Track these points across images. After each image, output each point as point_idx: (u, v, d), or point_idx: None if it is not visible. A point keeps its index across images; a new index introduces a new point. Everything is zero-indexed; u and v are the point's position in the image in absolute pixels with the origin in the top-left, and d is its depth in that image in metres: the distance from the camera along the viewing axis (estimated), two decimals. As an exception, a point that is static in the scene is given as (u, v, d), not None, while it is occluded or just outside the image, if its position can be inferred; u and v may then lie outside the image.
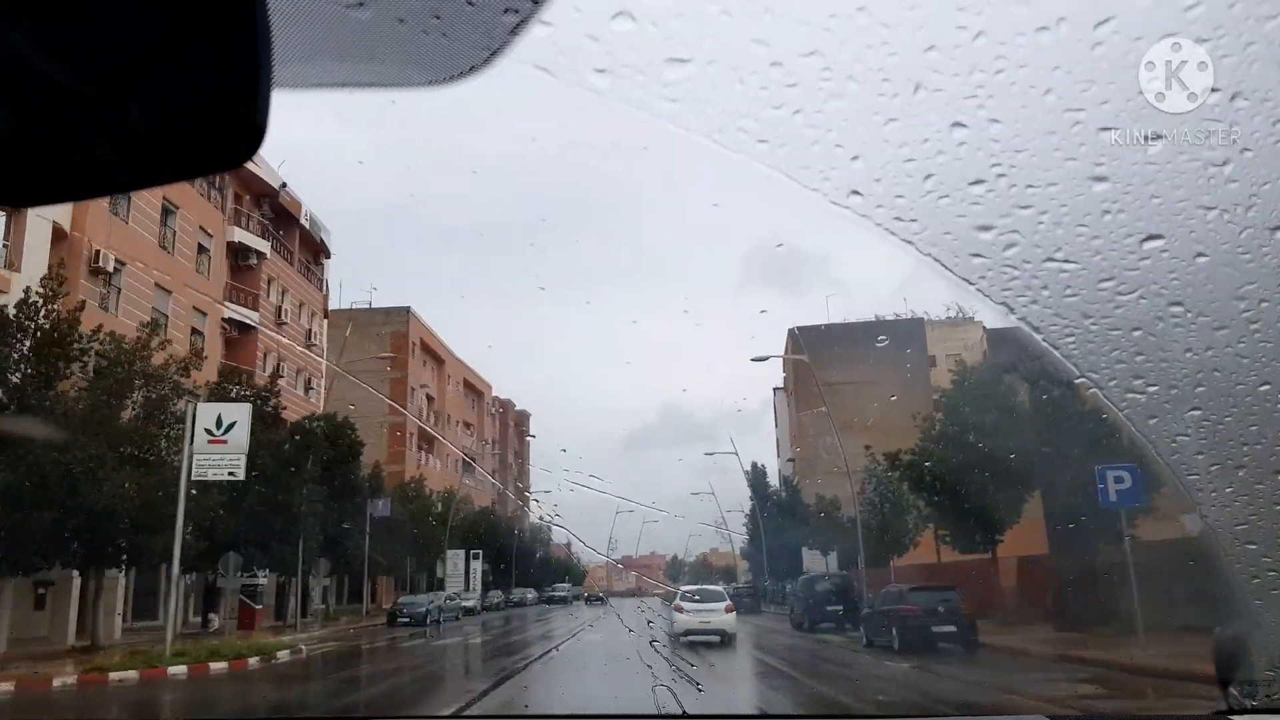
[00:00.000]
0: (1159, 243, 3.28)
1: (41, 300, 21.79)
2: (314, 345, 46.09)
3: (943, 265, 3.38)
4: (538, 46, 2.76)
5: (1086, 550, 21.68)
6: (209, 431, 22.10)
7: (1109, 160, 3.24)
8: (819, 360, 46.77)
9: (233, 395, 28.18)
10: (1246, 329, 3.30)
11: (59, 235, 27.57)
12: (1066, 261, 3.34)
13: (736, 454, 61.48)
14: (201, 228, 35.69)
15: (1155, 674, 13.87)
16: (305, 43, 1.43)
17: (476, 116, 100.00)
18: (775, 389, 73.26)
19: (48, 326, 21.68)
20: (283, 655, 21.19)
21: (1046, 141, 3.24)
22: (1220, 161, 3.21)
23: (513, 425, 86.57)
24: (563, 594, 63.76)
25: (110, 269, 29.23)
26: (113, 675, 17.50)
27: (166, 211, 33.15)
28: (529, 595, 60.28)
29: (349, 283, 58.59)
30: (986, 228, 3.31)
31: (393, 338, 56.44)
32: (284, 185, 41.53)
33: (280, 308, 41.83)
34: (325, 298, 48.41)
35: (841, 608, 28.62)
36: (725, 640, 21.90)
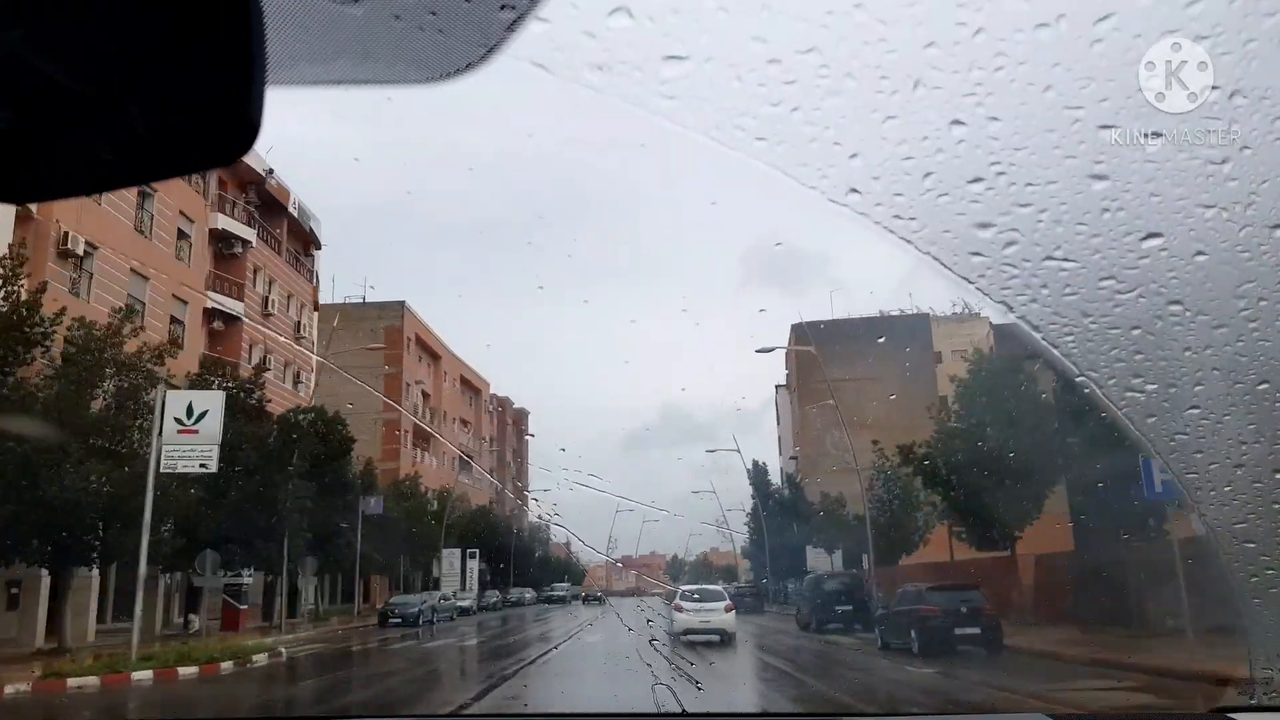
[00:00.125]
0: (1158, 241, 3.36)
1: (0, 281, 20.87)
2: (303, 338, 45.73)
3: (942, 264, 3.46)
4: (534, 43, 2.84)
5: (1117, 547, 21.28)
6: (179, 421, 21.51)
7: (1109, 158, 3.31)
8: (823, 356, 46.84)
9: (214, 387, 27.54)
10: (1246, 327, 3.38)
11: (24, 216, 26.77)
12: (1066, 260, 3.42)
13: (739, 450, 61.48)
14: (182, 213, 34.85)
15: (1215, 680, 11.98)
16: (301, 40, 1.47)
17: (473, 113, 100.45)
18: (777, 386, 73.44)
19: (6, 309, 20.82)
20: (260, 659, 20.73)
21: (1046, 139, 3.32)
22: (1220, 159, 3.29)
23: (511, 423, 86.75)
24: (561, 594, 63.95)
25: (80, 252, 28.47)
26: (71, 681, 16.71)
27: (144, 195, 32.22)
28: (527, 595, 60.45)
29: (346, 281, 59.10)
30: (986, 226, 3.39)
31: (387, 332, 56.37)
32: (270, 172, 41.48)
33: (267, 298, 41.51)
34: (315, 289, 48.21)
35: (851, 607, 28.18)
36: (725, 640, 22.09)
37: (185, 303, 34.62)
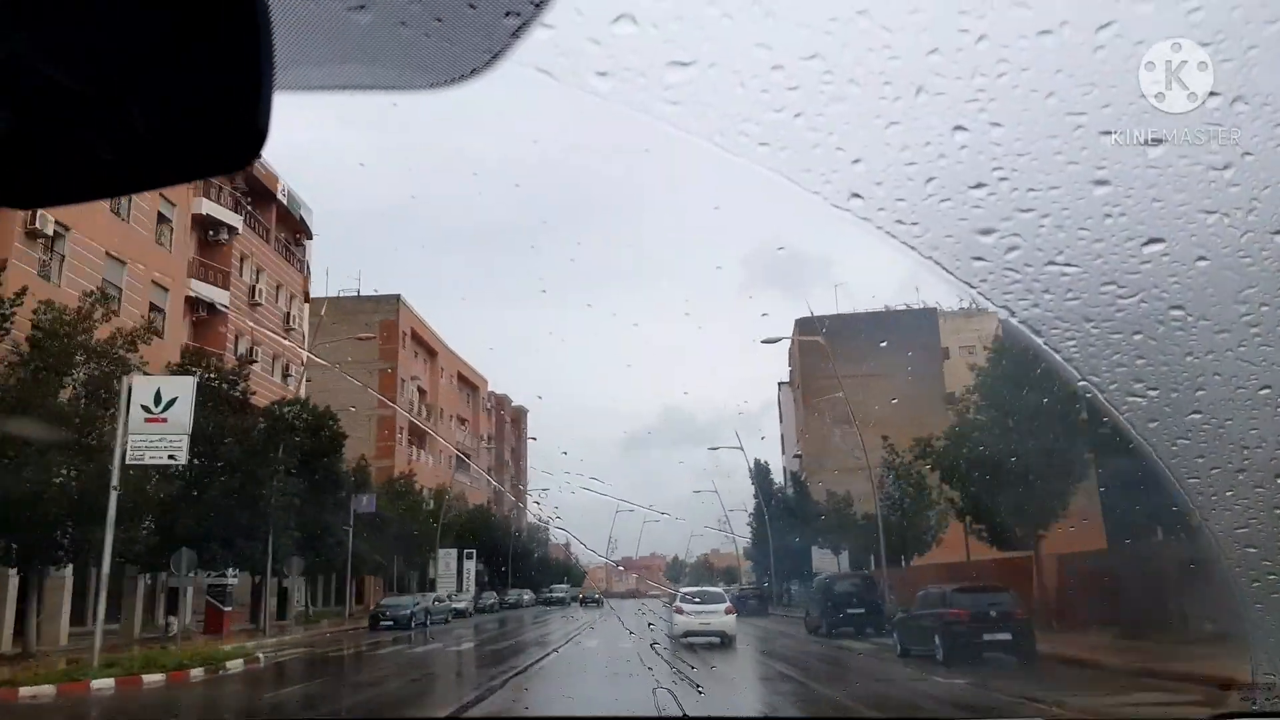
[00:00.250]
0: (1160, 246, 3.46)
1: None
2: (293, 330, 44.99)
3: (944, 268, 3.55)
4: (539, 49, 2.92)
5: (1154, 546, 20.06)
6: (146, 409, 20.23)
7: (1110, 164, 3.41)
8: (828, 351, 46.84)
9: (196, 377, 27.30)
10: (1247, 332, 3.47)
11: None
12: (1068, 264, 3.52)
13: (741, 448, 61.46)
14: (163, 196, 33.14)
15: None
16: (307, 46, 1.51)
17: (478, 119, 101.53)
18: (780, 383, 73.53)
19: None
20: (234, 665, 19.62)
21: (1048, 145, 3.41)
22: (1221, 165, 3.38)
23: (510, 421, 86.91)
24: (560, 595, 63.96)
25: (49, 233, 27.33)
26: (24, 691, 15.59)
27: (120, 176, 31.94)
28: (525, 596, 60.43)
29: (349, 283, 59.28)
30: (988, 231, 3.49)
31: (382, 326, 56.17)
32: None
33: (254, 288, 40.38)
34: (306, 280, 47.53)
35: (863, 610, 27.01)
36: (725, 642, 22.21)
37: (166, 290, 33.46)
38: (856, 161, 3.45)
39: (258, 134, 1.14)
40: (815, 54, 3.33)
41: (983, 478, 25.67)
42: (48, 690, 15.77)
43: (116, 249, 30.37)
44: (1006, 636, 17.94)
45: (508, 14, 1.76)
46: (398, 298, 60.20)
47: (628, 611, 40.91)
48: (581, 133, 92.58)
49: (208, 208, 37.72)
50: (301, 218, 47.24)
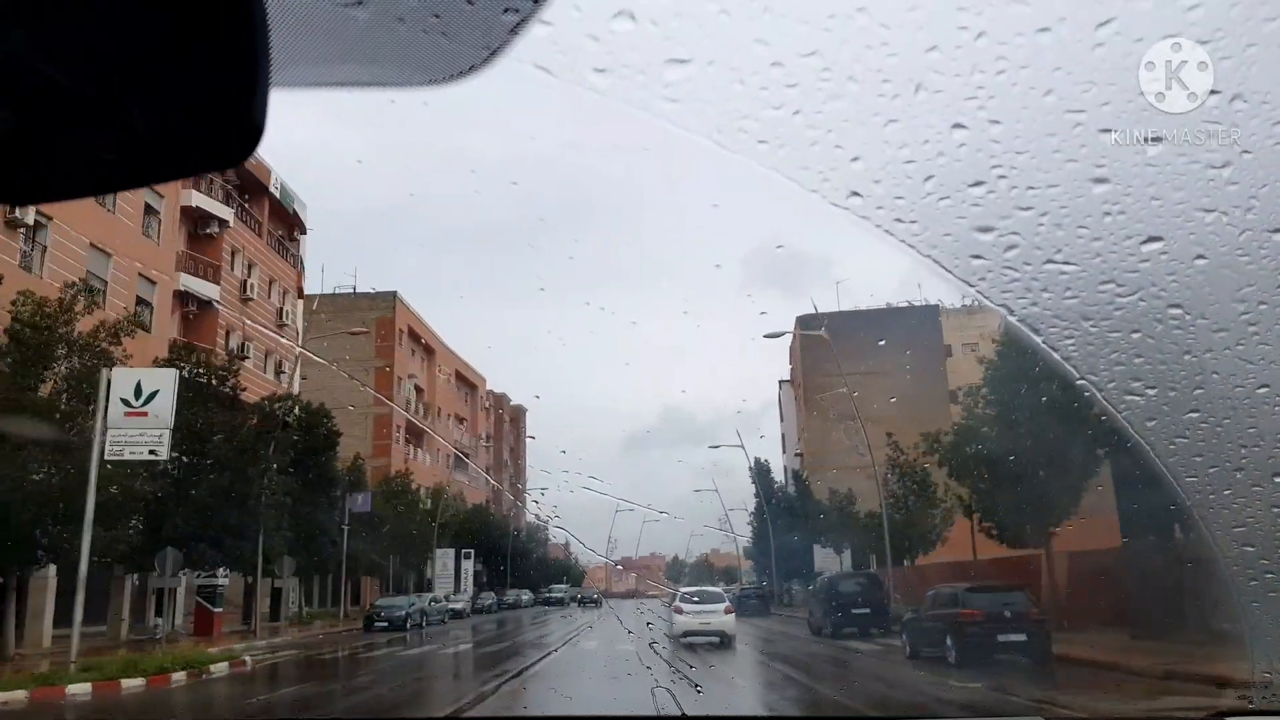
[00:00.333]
0: (1158, 245, 3.50)
1: None
2: (286, 325, 44.51)
3: (943, 266, 3.60)
4: (538, 46, 2.96)
5: (1173, 543, 19.53)
6: (126, 402, 19.68)
7: (1109, 162, 3.45)
8: (829, 351, 46.85)
9: (182, 373, 26.00)
10: (1245, 331, 3.51)
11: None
12: (1066, 263, 3.56)
13: (743, 447, 61.44)
14: (150, 186, 34.07)
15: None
16: (304, 43, 1.52)
17: (476, 116, 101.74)
18: (781, 381, 73.64)
19: None
20: (219, 668, 19.10)
21: (1047, 143, 3.45)
22: (1220, 163, 3.42)
23: (509, 420, 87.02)
24: (560, 595, 64.06)
25: (30, 222, 26.82)
26: None
27: (106, 165, 31.33)
28: (524, 597, 60.52)
29: (346, 280, 59.46)
30: (987, 229, 3.53)
31: (378, 324, 56.07)
32: None
33: (246, 282, 39.39)
34: (299, 275, 47.11)
35: (868, 610, 26.73)
36: (724, 641, 22.32)
37: (154, 283, 32.87)
38: (855, 159, 3.49)
39: (254, 130, 1.16)
40: (814, 51, 3.37)
41: (992, 473, 25.29)
42: (19, 696, 15.28)
43: (101, 240, 29.79)
44: (1021, 638, 17.47)
45: (506, 10, 1.78)
46: (394, 295, 60.11)
47: (627, 611, 40.94)
48: (580, 130, 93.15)
49: (197, 200, 37.07)
50: (295, 211, 46.64)
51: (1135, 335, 3.60)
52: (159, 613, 28.41)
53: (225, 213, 38.91)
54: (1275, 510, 3.74)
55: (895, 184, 3.49)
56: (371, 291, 59.23)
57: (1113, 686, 14.49)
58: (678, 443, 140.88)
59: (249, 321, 40.23)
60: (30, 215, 26.66)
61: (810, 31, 3.37)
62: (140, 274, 31.82)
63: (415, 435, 61.36)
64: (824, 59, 3.36)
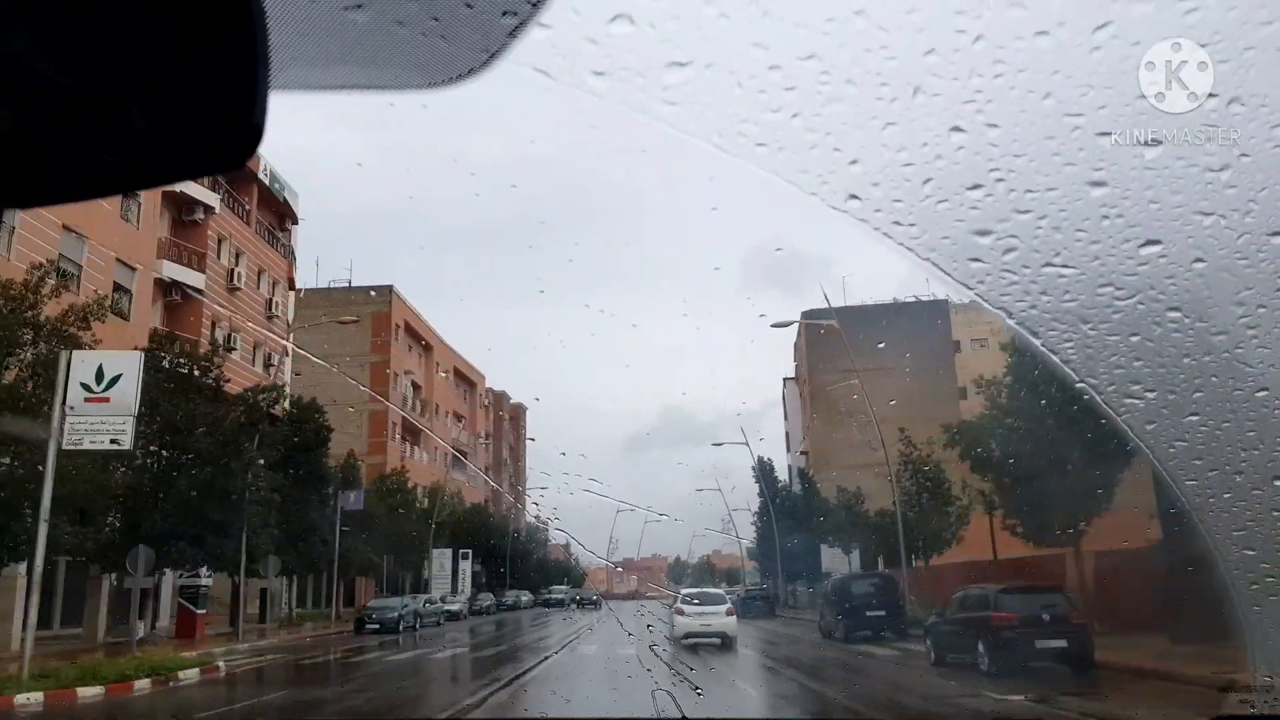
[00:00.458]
0: (1157, 248, 3.56)
1: None
2: (275, 317, 43.81)
3: (941, 269, 3.66)
4: (537, 49, 3.02)
5: (1223, 541, 19.02)
6: (86, 387, 18.70)
7: (1108, 165, 3.51)
8: (835, 347, 46.82)
9: (164, 363, 25.65)
10: (1244, 334, 3.57)
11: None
12: (1065, 266, 3.62)
13: (747, 443, 61.45)
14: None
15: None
16: (304, 45, 1.55)
17: (475, 119, 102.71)
18: (785, 379, 73.72)
19: None
20: (188, 675, 18.19)
21: (1045, 146, 3.51)
22: (1219, 166, 3.48)
23: (508, 418, 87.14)
24: (560, 596, 64.06)
25: None
26: None
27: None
28: (523, 598, 60.53)
29: (341, 274, 59.86)
30: (985, 232, 3.59)
31: (374, 318, 55.95)
32: None
33: (233, 271, 39.13)
34: (290, 266, 46.46)
35: (883, 613, 25.91)
36: (725, 643, 22.43)
37: (133, 269, 31.63)
38: (854, 162, 3.55)
39: (254, 132, 1.17)
40: (812, 54, 3.43)
41: (1018, 467, 24.14)
42: (-37, 707, 14.26)
43: (75, 223, 28.70)
44: (1062, 644, 16.33)
45: (505, 13, 1.82)
46: (390, 288, 59.79)
47: (627, 613, 40.94)
48: (579, 133, 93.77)
49: (181, 184, 36.66)
50: (285, 199, 45.62)
51: (1134, 338, 3.66)
52: (140, 614, 26.93)
53: (211, 198, 37.79)
54: (1275, 513, 3.80)
55: (894, 187, 3.55)
56: (367, 286, 59.00)
57: (1170, 697, 13.47)
58: (678, 444, 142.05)
59: (236, 312, 39.35)
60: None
61: (809, 35, 3.43)
62: (118, 259, 30.58)
63: (412, 433, 61.27)
64: (823, 62, 3.42)
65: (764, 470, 51.23)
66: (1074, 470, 21.90)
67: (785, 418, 76.46)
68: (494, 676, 17.57)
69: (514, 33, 1.81)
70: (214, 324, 37.54)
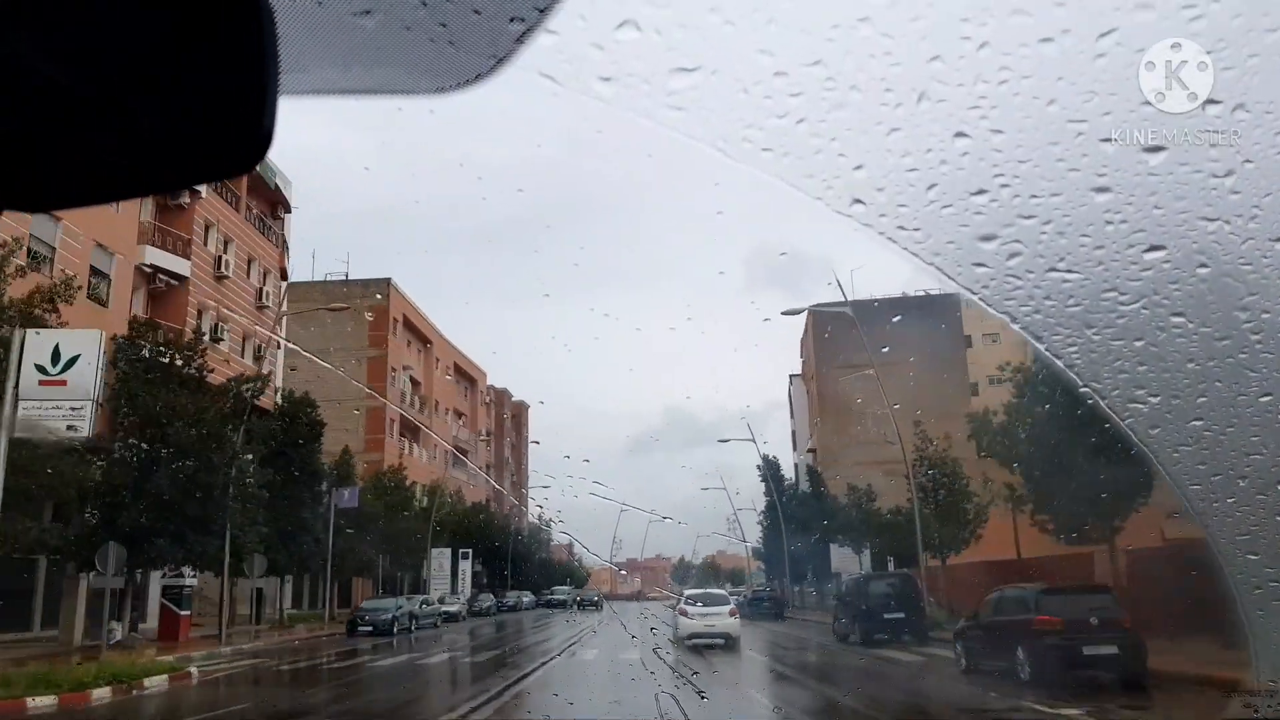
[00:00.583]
0: (1161, 253, 3.63)
1: None
2: (266, 307, 43.25)
3: (946, 274, 3.73)
4: (544, 55, 3.10)
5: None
6: (41, 369, 17.76)
7: (1111, 171, 3.58)
8: (844, 342, 46.74)
9: (144, 351, 25.25)
10: (1248, 340, 3.64)
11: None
12: (1069, 271, 3.69)
13: (754, 440, 61.45)
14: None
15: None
16: (313, 50, 1.62)
17: (483, 124, 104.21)
18: (791, 376, 73.77)
19: None
20: (155, 682, 17.29)
21: (1049, 152, 3.58)
22: (1222, 172, 3.55)
23: (510, 417, 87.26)
24: (562, 597, 64.03)
25: None
26: None
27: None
28: (525, 599, 60.59)
29: (339, 267, 60.39)
30: (989, 237, 3.66)
31: (372, 312, 55.64)
32: None
33: (221, 259, 38.25)
34: (282, 255, 45.76)
35: (903, 615, 25.20)
36: (729, 644, 22.57)
37: (112, 254, 30.48)
38: (858, 167, 3.62)
39: (263, 137, 1.19)
40: (817, 60, 3.50)
41: (1050, 458, 23.05)
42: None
43: None
44: (1113, 650, 15.05)
45: (512, 20, 1.87)
46: (388, 281, 59.15)
47: (630, 614, 40.92)
48: (585, 137, 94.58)
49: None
50: (277, 186, 44.67)
51: (1138, 343, 3.73)
52: (119, 615, 26.74)
53: (198, 182, 37.73)
54: (1279, 518, 3.87)
55: (898, 192, 3.62)
56: (364, 279, 58.42)
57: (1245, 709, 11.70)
58: (683, 446, 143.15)
59: (224, 301, 38.54)
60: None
61: (814, 41, 3.50)
62: (96, 243, 29.41)
63: (411, 430, 61.12)
64: (827, 68, 3.49)
65: (771, 468, 51.19)
66: (1109, 461, 20.55)
67: (792, 416, 76.44)
68: (483, 688, 16.31)
69: (521, 39, 1.88)
70: (200, 313, 36.16)
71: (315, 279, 55.94)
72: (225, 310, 37.69)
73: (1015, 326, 3.71)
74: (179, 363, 26.43)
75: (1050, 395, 22.90)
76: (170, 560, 25.91)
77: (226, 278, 38.69)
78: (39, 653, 21.39)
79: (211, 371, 28.43)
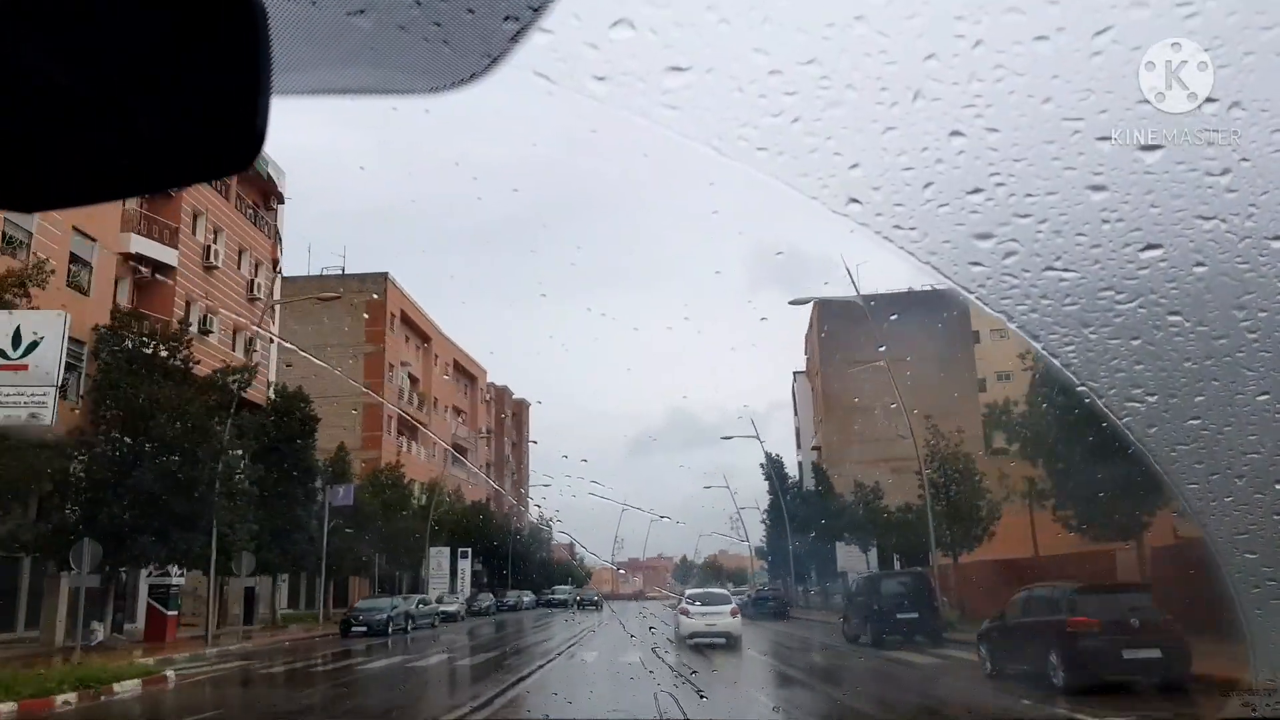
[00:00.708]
0: (1158, 252, 3.68)
1: None
2: (257, 299, 42.87)
3: (942, 273, 3.78)
4: (538, 54, 3.15)
5: None
6: (1, 353, 17.32)
7: (1108, 169, 3.62)
8: (848, 338, 46.73)
9: (125, 341, 25.03)
10: (1245, 338, 3.69)
11: None
12: (1065, 270, 3.74)
13: (757, 436, 61.48)
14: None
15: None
16: (308, 50, 1.65)
17: (478, 123, 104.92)
18: (795, 373, 73.84)
19: None
20: (126, 687, 16.81)
21: (1045, 150, 3.62)
22: (1219, 171, 3.59)
23: (511, 415, 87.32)
24: (563, 597, 64.03)
25: None
26: None
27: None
28: (525, 598, 60.63)
29: (335, 264, 60.78)
30: (985, 236, 3.71)
31: (369, 306, 55.34)
32: None
33: (210, 249, 37.71)
34: (275, 247, 45.42)
35: (916, 615, 24.58)
36: (730, 643, 22.73)
37: (93, 240, 29.69)
38: (854, 166, 3.67)
39: (257, 136, 1.22)
40: (812, 59, 3.54)
41: (1079, 450, 22.15)
42: None
43: None
44: (1155, 654, 14.29)
45: (506, 19, 1.89)
46: (385, 276, 58.86)
47: (631, 614, 40.94)
48: (580, 137, 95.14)
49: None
50: (269, 176, 44.26)
51: (1135, 342, 3.77)
52: (101, 615, 26.56)
53: (183, 167, 37.19)
54: (1277, 517, 3.91)
55: (894, 191, 3.67)
56: (361, 273, 58.16)
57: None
58: (683, 446, 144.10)
59: (214, 292, 37.86)
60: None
61: (809, 40, 3.54)
62: (75, 229, 28.55)
63: (409, 428, 61.01)
64: (822, 67, 3.53)
65: (773, 466, 51.15)
66: (1137, 453, 20.57)
67: (795, 413, 76.46)
68: (475, 693, 15.64)
69: (515, 37, 1.91)
70: (189, 304, 35.73)
71: (311, 274, 55.88)
72: (215, 301, 37.38)
73: (1012, 325, 3.76)
74: (163, 354, 25.95)
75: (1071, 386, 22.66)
76: (154, 558, 25.48)
77: (216, 268, 37.97)
78: (16, 654, 21.13)
79: (198, 363, 28.01)
